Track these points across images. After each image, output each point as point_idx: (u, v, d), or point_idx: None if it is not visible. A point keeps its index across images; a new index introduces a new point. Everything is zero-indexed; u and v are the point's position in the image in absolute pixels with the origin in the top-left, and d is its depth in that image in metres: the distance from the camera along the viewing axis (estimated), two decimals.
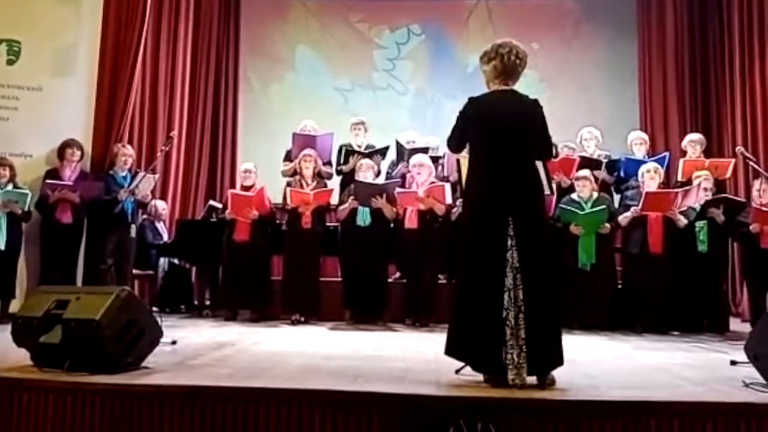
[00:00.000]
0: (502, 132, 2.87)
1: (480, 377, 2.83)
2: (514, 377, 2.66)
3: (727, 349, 4.04)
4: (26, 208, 5.31)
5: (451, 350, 2.89)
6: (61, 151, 5.62)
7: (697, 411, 2.46)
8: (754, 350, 2.92)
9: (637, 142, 5.94)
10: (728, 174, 5.79)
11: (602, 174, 5.77)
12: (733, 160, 5.93)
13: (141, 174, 5.63)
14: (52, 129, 5.70)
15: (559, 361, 2.76)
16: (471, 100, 2.98)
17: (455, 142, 3.14)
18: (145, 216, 6.57)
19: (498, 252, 2.75)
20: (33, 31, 5.77)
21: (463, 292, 2.88)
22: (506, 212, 2.78)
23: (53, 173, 5.55)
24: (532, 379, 2.72)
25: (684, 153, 5.95)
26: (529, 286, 2.72)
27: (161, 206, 6.82)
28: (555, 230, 5.11)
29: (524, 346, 2.67)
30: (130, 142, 6.32)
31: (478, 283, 2.79)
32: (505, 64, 2.93)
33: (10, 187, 5.28)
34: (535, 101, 2.98)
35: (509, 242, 2.75)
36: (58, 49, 5.85)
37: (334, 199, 5.81)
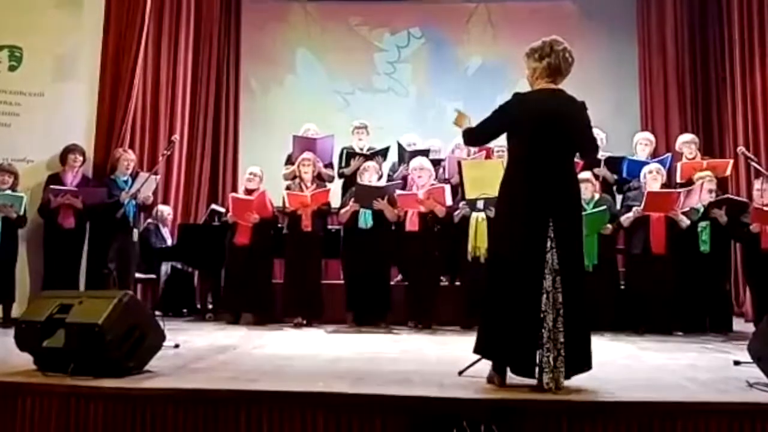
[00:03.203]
0: (548, 131, 2.80)
1: (483, 379, 2.83)
2: (549, 381, 2.63)
3: (730, 350, 4.04)
4: (21, 212, 5.31)
5: (481, 349, 2.84)
6: (64, 156, 5.63)
7: (701, 412, 2.46)
8: (757, 351, 2.92)
9: (642, 143, 5.91)
10: (727, 173, 5.78)
11: (602, 171, 5.75)
12: (731, 160, 5.91)
13: (142, 175, 5.62)
14: (54, 134, 5.71)
15: (588, 366, 2.76)
16: (517, 96, 2.89)
17: (483, 137, 3.07)
18: (150, 220, 6.59)
19: (537, 253, 2.71)
20: (35, 37, 5.78)
21: (498, 292, 2.79)
22: (547, 213, 2.74)
23: (55, 178, 5.56)
24: (531, 379, 2.72)
25: (680, 155, 5.93)
26: (567, 289, 2.69)
27: (167, 211, 6.82)
28: None
29: (563, 350, 2.65)
30: (131, 146, 6.33)
31: (516, 283, 2.73)
32: (560, 61, 2.84)
33: (8, 192, 5.29)
34: (582, 104, 2.92)
35: (549, 243, 2.71)
36: (59, 55, 5.86)
37: (333, 200, 5.81)
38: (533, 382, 2.70)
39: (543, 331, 2.66)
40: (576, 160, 5.67)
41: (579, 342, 2.71)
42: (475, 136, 3.07)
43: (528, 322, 2.68)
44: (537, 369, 2.67)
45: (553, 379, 2.63)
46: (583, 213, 5.05)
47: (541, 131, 2.81)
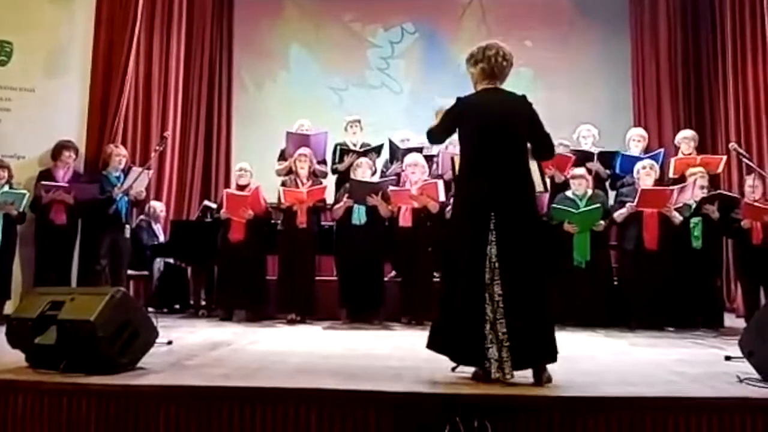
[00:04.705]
0: (489, 129, 2.89)
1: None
2: (496, 372, 2.68)
3: (721, 345, 4.07)
4: (22, 209, 5.29)
5: (430, 343, 2.94)
6: (57, 152, 5.59)
7: (692, 406, 2.48)
8: (748, 346, 2.94)
9: (635, 139, 5.94)
10: (719, 170, 5.81)
11: (595, 165, 5.76)
12: (724, 157, 5.94)
13: (135, 170, 5.60)
14: (45, 130, 5.67)
15: (547, 356, 2.76)
16: (459, 99, 3.01)
17: (437, 138, 3.20)
18: (142, 216, 6.56)
19: (478, 247, 2.78)
20: (25, 32, 5.74)
21: (445, 287, 2.96)
22: (489, 207, 2.80)
23: (47, 174, 5.52)
24: (524, 375, 2.73)
25: (677, 149, 5.96)
26: (508, 282, 2.73)
27: (159, 207, 6.80)
28: (546, 226, 5.11)
29: (505, 341, 2.69)
30: (123, 142, 6.29)
31: (458, 278, 2.83)
32: (493, 66, 2.96)
33: (6, 188, 5.26)
34: (523, 97, 2.99)
35: (490, 237, 2.77)
36: (50, 50, 5.83)
37: (329, 197, 5.80)
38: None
39: (486, 323, 2.72)
40: (567, 154, 5.76)
41: (528, 333, 2.72)
42: (433, 137, 3.19)
43: (471, 315, 2.74)
44: (486, 362, 2.71)
45: (500, 369, 2.68)
46: (577, 211, 5.18)
47: (482, 130, 2.91)
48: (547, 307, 2.83)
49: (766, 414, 2.44)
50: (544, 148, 3.04)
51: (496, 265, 2.75)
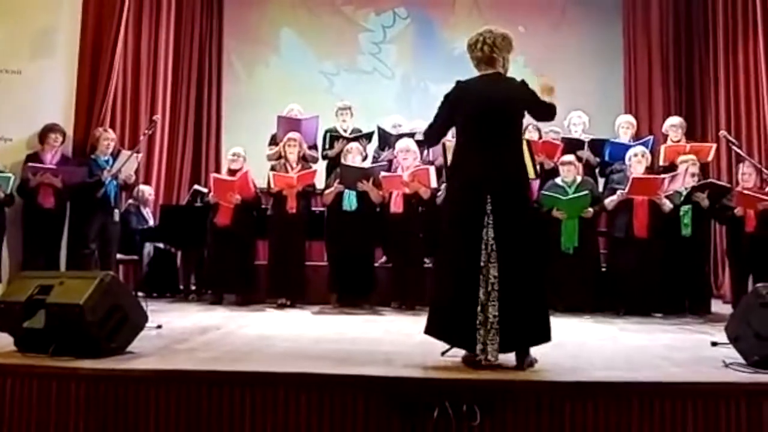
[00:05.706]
0: (484, 112, 2.91)
1: None
2: (479, 354, 2.70)
3: (708, 331, 4.11)
4: (9, 192, 5.24)
5: (428, 329, 2.94)
6: (44, 135, 5.52)
7: (678, 391, 2.51)
8: (734, 332, 2.97)
9: (624, 126, 5.95)
10: (710, 158, 5.84)
11: (586, 153, 5.77)
12: (714, 144, 5.96)
13: (124, 153, 5.54)
14: (32, 113, 5.59)
15: (539, 338, 2.78)
16: (458, 83, 3.03)
17: (437, 132, 3.17)
18: (131, 201, 6.52)
19: (475, 229, 2.78)
20: (11, 12, 5.63)
21: (439, 270, 2.97)
22: (485, 190, 2.82)
23: (34, 157, 5.47)
24: (508, 359, 2.75)
25: (665, 137, 5.98)
26: (503, 264, 2.75)
27: (148, 191, 6.75)
28: (537, 212, 5.13)
29: (494, 324, 2.70)
30: (112, 126, 6.22)
31: (454, 260, 2.84)
32: (477, 56, 3.02)
33: None
34: (522, 81, 3.02)
35: (486, 220, 2.79)
36: (37, 32, 5.73)
37: (318, 181, 5.78)
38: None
39: (478, 305, 2.73)
40: (557, 142, 5.77)
41: (520, 316, 2.74)
42: (430, 134, 3.20)
43: (465, 298, 2.75)
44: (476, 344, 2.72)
45: (483, 352, 2.69)
46: (566, 197, 5.20)
47: (477, 113, 2.93)
48: (541, 290, 2.86)
49: (750, 398, 2.48)
50: (547, 114, 3.08)
51: (493, 247, 2.75)
